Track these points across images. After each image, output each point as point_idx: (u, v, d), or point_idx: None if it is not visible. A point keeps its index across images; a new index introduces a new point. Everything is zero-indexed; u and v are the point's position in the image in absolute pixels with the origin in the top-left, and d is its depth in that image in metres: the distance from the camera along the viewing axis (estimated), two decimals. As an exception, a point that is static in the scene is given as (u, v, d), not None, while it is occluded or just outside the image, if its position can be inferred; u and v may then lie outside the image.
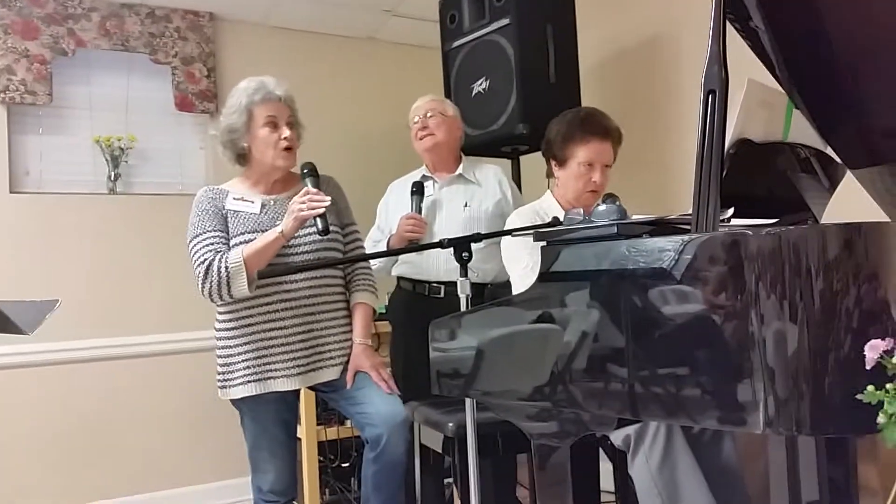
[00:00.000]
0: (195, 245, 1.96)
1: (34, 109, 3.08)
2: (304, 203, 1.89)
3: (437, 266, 2.51)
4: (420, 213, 2.52)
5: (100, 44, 3.15)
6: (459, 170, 2.61)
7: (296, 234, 1.96)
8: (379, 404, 1.94)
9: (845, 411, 0.95)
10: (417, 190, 2.54)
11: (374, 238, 2.69)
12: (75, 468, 2.98)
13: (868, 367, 0.89)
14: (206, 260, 1.91)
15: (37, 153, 3.11)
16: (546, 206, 2.21)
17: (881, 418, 0.87)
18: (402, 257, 2.60)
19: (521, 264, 2.03)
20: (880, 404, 0.86)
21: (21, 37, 3.00)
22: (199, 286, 1.92)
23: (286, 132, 2.01)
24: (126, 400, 3.10)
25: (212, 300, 1.95)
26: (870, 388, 0.87)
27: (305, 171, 2.03)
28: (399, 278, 2.67)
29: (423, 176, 2.63)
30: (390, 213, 2.67)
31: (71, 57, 3.10)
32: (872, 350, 0.89)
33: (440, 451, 2.14)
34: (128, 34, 3.21)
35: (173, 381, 3.18)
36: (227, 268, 1.89)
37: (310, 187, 1.97)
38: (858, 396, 0.88)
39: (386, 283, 2.65)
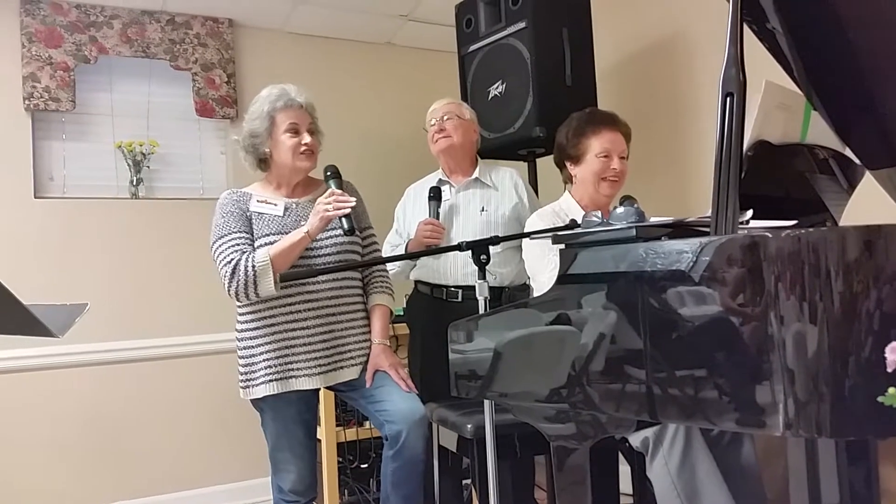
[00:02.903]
0: (220, 246, 1.99)
1: (58, 116, 3.14)
2: (329, 203, 1.93)
3: (455, 270, 2.52)
4: (438, 218, 2.53)
5: (121, 51, 3.21)
6: (476, 173, 2.61)
7: (318, 237, 1.99)
8: (398, 401, 1.97)
9: (866, 414, 0.94)
10: (435, 195, 2.55)
11: (392, 242, 2.71)
12: (96, 469, 3.02)
13: (889, 370, 0.89)
14: (232, 260, 1.94)
15: (60, 159, 3.17)
16: (566, 207, 2.21)
17: (902, 420, 0.87)
18: (419, 261, 2.61)
19: (547, 268, 2.02)
20: (901, 406, 0.86)
21: (45, 45, 3.05)
22: (226, 286, 1.95)
23: (307, 138, 2.05)
24: (147, 402, 3.14)
25: (237, 300, 1.99)
26: (891, 390, 0.87)
27: (329, 173, 2.07)
28: (417, 282, 2.68)
29: (440, 180, 2.64)
30: (408, 217, 2.68)
31: (93, 64, 3.16)
32: (894, 352, 0.89)
33: (459, 452, 2.15)
34: (149, 41, 3.26)
35: (194, 382, 3.22)
36: (253, 267, 1.92)
37: (334, 188, 2.00)
38: (879, 399, 0.88)
39: (403, 287, 2.67)
